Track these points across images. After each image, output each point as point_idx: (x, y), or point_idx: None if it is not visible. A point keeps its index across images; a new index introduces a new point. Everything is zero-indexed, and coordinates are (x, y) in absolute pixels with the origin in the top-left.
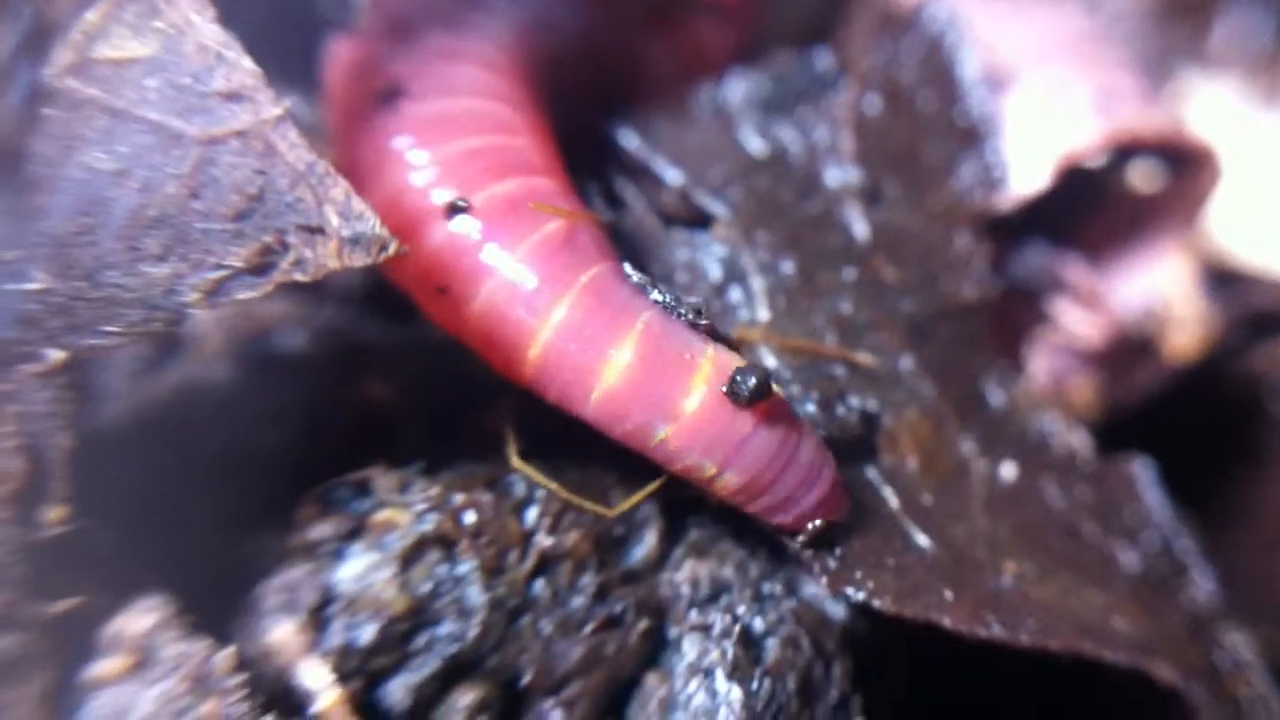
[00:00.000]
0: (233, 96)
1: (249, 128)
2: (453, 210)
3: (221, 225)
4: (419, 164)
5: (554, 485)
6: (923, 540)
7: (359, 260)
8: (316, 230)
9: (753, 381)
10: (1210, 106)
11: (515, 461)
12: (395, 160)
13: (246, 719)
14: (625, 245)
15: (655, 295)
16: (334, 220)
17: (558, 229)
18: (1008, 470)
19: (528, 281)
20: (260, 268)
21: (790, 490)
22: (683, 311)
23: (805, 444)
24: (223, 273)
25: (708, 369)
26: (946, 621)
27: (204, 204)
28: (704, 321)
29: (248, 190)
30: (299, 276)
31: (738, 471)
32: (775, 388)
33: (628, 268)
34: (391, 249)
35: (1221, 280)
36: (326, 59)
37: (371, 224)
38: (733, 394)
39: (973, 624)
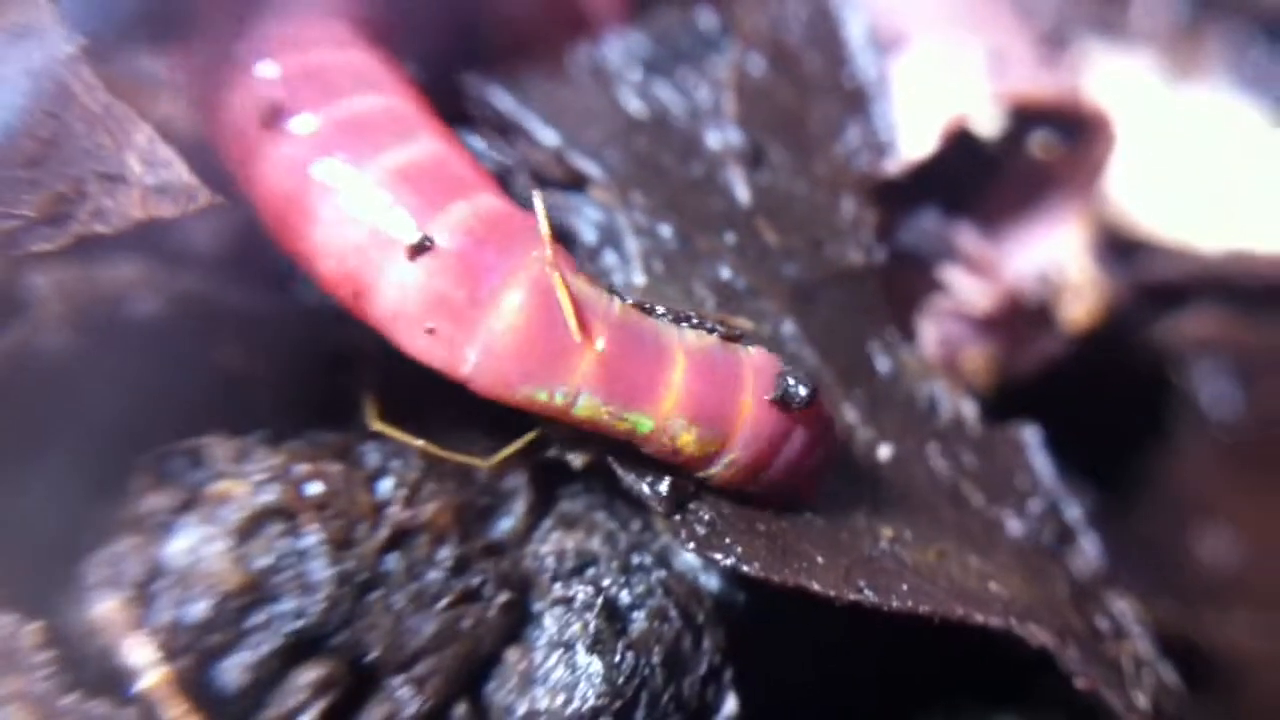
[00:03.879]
0: (20, 32)
1: (39, 66)
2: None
3: (11, 172)
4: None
5: (421, 443)
6: (800, 506)
7: (166, 211)
8: (117, 178)
9: (803, 392)
10: (1118, 79)
11: (376, 424)
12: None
13: (53, 697)
14: None
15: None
16: (137, 167)
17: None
18: (892, 437)
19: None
20: (55, 218)
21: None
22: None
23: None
24: (13, 223)
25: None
26: (815, 586)
27: None
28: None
29: (39, 134)
30: (100, 228)
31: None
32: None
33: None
34: (202, 200)
35: (1126, 251)
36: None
37: (179, 172)
38: (782, 402)
39: (842, 588)
